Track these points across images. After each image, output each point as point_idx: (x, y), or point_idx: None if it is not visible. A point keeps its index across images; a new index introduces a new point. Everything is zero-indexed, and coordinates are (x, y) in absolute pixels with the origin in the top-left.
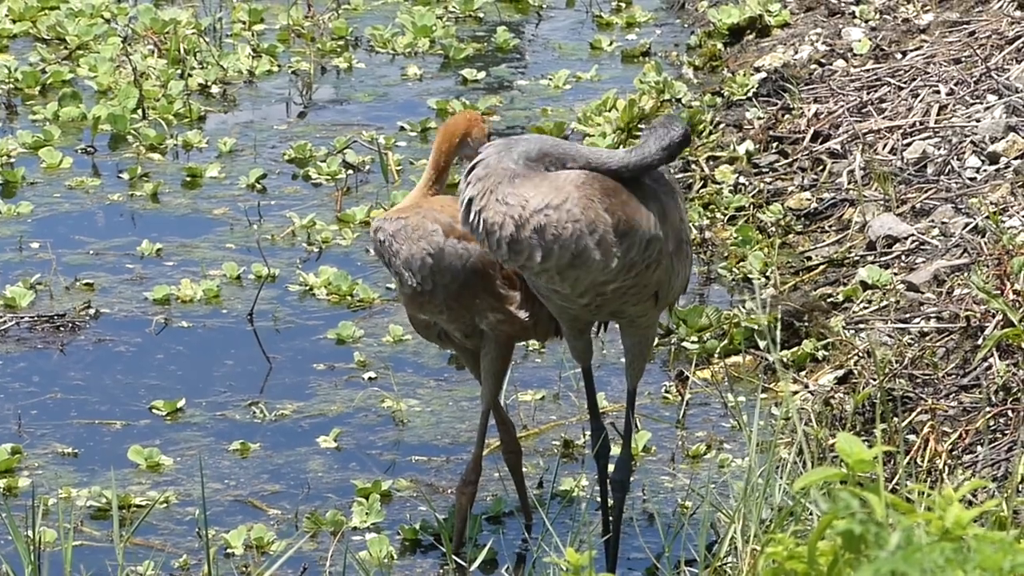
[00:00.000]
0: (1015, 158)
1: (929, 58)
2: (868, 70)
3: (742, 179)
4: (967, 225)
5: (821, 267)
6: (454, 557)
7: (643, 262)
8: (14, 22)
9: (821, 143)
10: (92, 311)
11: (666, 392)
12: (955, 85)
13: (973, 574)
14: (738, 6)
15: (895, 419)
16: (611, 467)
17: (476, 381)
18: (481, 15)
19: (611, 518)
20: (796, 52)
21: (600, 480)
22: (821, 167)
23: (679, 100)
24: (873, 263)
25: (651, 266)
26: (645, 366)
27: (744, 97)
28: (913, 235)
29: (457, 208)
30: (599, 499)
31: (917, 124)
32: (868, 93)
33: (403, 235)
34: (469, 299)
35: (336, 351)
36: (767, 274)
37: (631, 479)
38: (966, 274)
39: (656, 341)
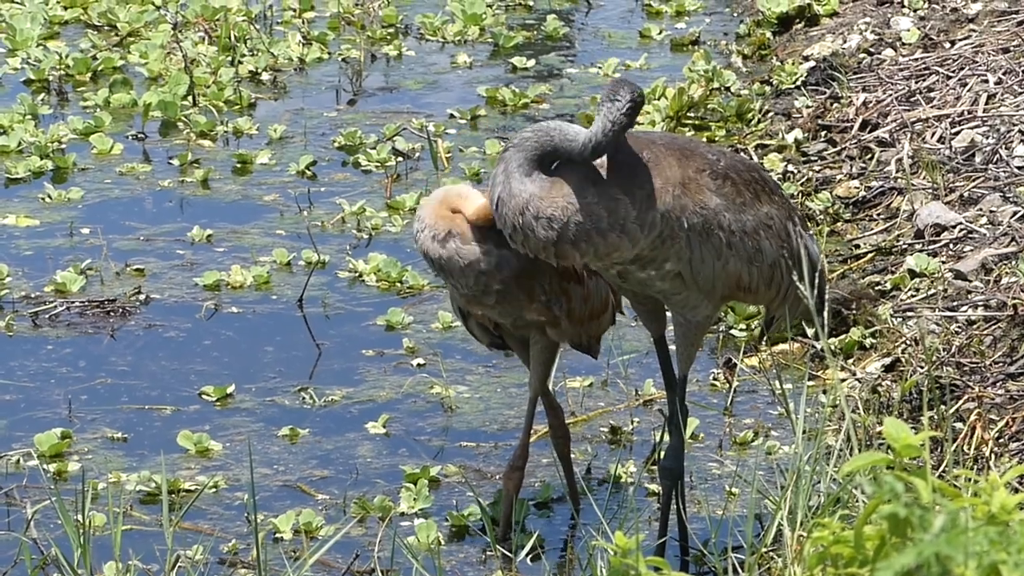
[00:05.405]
0: None
1: (977, 47)
2: (917, 59)
3: (791, 167)
4: (1015, 213)
5: (869, 255)
6: (498, 547)
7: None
8: (65, 8)
9: (869, 132)
10: (142, 296)
11: (714, 379)
12: (1003, 74)
13: (1016, 557)
14: None
15: (942, 406)
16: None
17: (524, 368)
18: (531, 3)
19: (667, 505)
20: (845, 41)
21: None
22: (869, 155)
23: (728, 88)
24: (921, 251)
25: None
26: (693, 355)
27: (793, 86)
28: (961, 223)
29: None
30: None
31: (965, 113)
32: (916, 82)
33: (453, 261)
34: (517, 295)
35: (385, 337)
36: None
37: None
38: (1014, 262)
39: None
